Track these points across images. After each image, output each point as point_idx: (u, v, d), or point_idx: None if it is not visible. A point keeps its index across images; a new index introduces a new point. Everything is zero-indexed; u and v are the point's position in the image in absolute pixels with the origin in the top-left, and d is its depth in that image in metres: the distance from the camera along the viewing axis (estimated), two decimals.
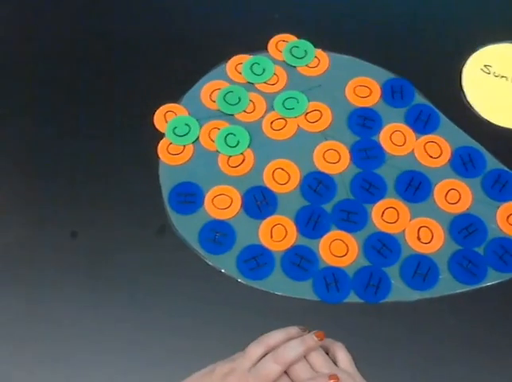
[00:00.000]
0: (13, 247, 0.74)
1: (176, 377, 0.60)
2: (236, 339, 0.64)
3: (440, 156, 0.77)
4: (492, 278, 0.71)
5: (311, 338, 0.61)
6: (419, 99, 0.82)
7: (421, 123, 0.80)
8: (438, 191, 0.75)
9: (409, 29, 0.89)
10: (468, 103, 0.82)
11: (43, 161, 0.79)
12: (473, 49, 0.86)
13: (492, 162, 0.77)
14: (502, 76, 0.83)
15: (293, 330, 0.63)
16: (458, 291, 0.70)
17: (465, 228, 0.73)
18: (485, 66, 0.84)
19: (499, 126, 0.80)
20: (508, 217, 0.73)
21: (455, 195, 0.75)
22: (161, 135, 0.80)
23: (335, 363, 0.62)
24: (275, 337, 0.62)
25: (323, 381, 0.58)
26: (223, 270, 0.71)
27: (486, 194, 0.75)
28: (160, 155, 0.78)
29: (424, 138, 0.79)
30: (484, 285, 0.71)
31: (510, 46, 0.86)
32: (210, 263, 0.72)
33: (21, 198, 0.77)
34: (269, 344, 0.61)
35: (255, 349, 0.60)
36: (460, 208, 0.74)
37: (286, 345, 0.60)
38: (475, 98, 0.82)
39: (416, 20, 0.89)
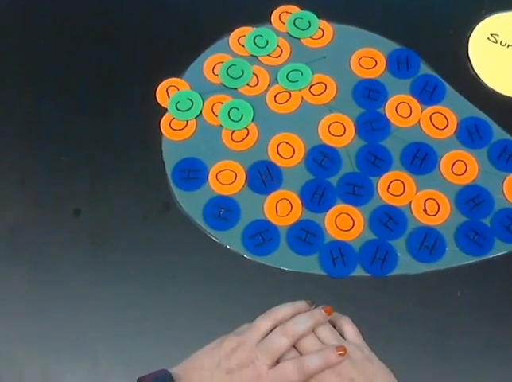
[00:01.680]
0: (15, 226, 0.73)
1: (184, 352, 0.59)
2: (243, 314, 0.63)
3: (446, 127, 0.76)
4: (499, 249, 0.70)
5: (319, 313, 0.61)
6: (425, 69, 0.81)
7: (427, 94, 0.79)
8: (444, 162, 0.74)
9: None
10: (475, 72, 0.81)
11: (44, 138, 0.79)
12: (479, 18, 0.85)
13: (499, 133, 0.76)
14: (509, 45, 0.82)
15: (301, 305, 0.62)
16: (465, 263, 0.70)
17: (471, 199, 0.72)
18: (492, 35, 0.82)
19: (506, 96, 0.79)
20: None
21: (462, 166, 0.74)
22: (164, 110, 0.79)
23: (342, 336, 0.61)
24: (283, 310, 0.61)
25: (331, 352, 0.58)
26: (228, 246, 0.71)
27: (493, 165, 0.74)
28: (163, 131, 0.78)
29: (430, 109, 0.78)
30: (491, 256, 0.70)
31: None
32: (215, 239, 0.71)
33: (22, 176, 0.77)
34: (278, 318, 0.60)
35: (263, 322, 0.60)
36: (467, 179, 0.73)
37: (295, 319, 0.60)
38: (482, 68, 0.81)
39: None
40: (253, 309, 0.63)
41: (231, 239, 0.71)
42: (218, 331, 0.61)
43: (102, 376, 0.66)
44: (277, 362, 0.58)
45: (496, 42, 0.82)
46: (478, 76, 0.80)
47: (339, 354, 0.58)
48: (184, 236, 0.72)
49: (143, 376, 0.56)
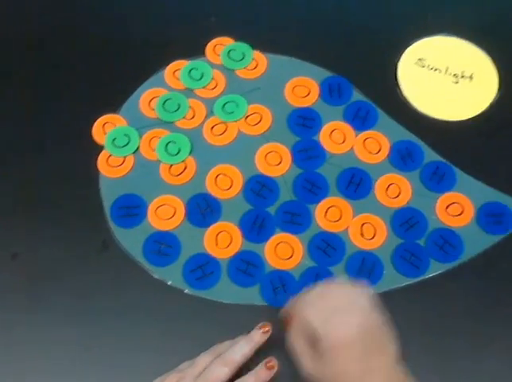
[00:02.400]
0: None
1: None
2: (186, 350, 0.64)
3: (379, 151, 0.78)
4: (434, 270, 0.72)
5: (257, 333, 0.61)
6: (357, 95, 0.82)
7: (360, 120, 0.80)
8: (379, 186, 0.76)
9: (344, 26, 0.90)
10: (404, 97, 0.83)
11: None
12: (407, 44, 0.87)
13: (430, 155, 0.78)
14: (436, 69, 0.84)
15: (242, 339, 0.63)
16: (403, 284, 0.71)
17: (406, 221, 0.74)
18: (419, 59, 0.85)
19: (435, 118, 0.81)
20: (447, 208, 0.74)
21: (396, 189, 0.76)
22: (101, 147, 0.79)
23: None
24: (224, 344, 0.62)
25: (261, 368, 0.60)
26: (169, 282, 0.71)
27: (425, 186, 0.76)
28: (100, 168, 0.77)
29: (363, 134, 0.80)
30: (427, 276, 0.71)
31: (441, 39, 0.87)
32: (156, 276, 0.71)
33: None
34: (218, 352, 0.61)
35: (204, 358, 0.61)
36: (401, 201, 0.75)
37: (232, 347, 0.61)
38: (411, 91, 0.83)
39: (349, 17, 0.90)
40: (195, 345, 0.64)
41: (172, 275, 0.72)
42: (161, 368, 0.62)
43: None
44: None
45: (423, 66, 0.84)
46: (407, 100, 0.82)
47: (269, 366, 0.59)
48: (125, 274, 0.72)
49: None
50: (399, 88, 0.83)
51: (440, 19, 0.89)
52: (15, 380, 0.67)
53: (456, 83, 0.83)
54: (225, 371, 0.59)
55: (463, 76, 0.84)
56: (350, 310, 0.56)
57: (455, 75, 0.84)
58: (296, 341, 0.58)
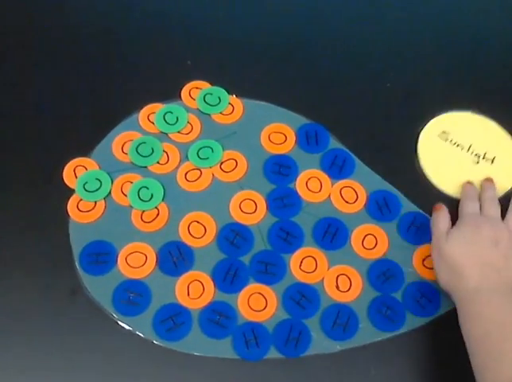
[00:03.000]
0: None
1: None
2: None
3: (355, 201, 0.77)
4: (411, 324, 0.71)
5: None
6: (334, 143, 0.82)
7: (337, 168, 0.79)
8: (355, 237, 0.75)
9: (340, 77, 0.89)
10: (421, 167, 0.82)
11: None
12: (433, 114, 0.86)
13: (407, 205, 0.77)
14: (459, 145, 0.83)
15: None
16: (378, 339, 0.69)
17: (382, 273, 0.73)
18: (443, 132, 0.83)
19: (448, 194, 0.80)
20: (424, 260, 0.73)
21: (372, 240, 0.74)
22: (71, 191, 0.77)
23: None
24: None
25: None
26: (138, 333, 0.69)
27: (402, 238, 0.75)
28: (69, 213, 0.75)
29: (340, 183, 0.79)
30: (404, 331, 0.70)
31: (469, 116, 0.86)
32: (125, 326, 0.69)
33: None
34: None
35: None
36: (377, 253, 0.74)
37: None
38: (428, 162, 0.82)
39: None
40: None
41: (141, 325, 0.69)
42: None
43: None
44: None
45: (446, 140, 0.83)
46: (423, 171, 0.81)
47: None
48: (93, 323, 0.70)
49: None
50: (417, 157, 0.82)
51: (471, 95, 0.88)
52: None
53: (477, 163, 0.82)
54: None
55: (484, 158, 0.82)
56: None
57: (476, 154, 0.82)
58: (439, 263, 0.68)
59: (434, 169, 0.81)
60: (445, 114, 0.85)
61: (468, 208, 0.72)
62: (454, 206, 0.76)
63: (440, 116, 0.85)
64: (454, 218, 0.72)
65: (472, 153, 0.82)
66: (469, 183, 0.78)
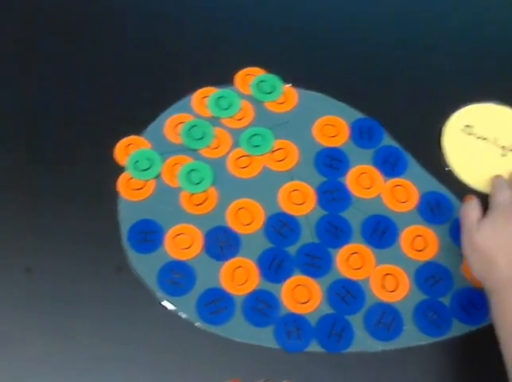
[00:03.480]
0: None
1: None
2: None
3: (407, 201, 0.76)
4: (456, 331, 0.69)
5: None
6: (388, 140, 0.80)
7: (389, 166, 0.78)
8: (404, 237, 0.73)
9: (386, 72, 0.88)
10: (446, 161, 0.80)
11: None
12: (457, 107, 0.84)
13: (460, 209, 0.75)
14: (484, 138, 0.81)
15: None
16: (422, 343, 0.68)
17: (431, 276, 0.71)
18: (466, 126, 0.82)
19: (474, 189, 0.78)
20: None
21: (422, 242, 0.73)
22: (122, 169, 0.77)
23: None
24: None
25: None
26: (181, 314, 0.68)
27: (454, 242, 0.73)
28: (120, 190, 0.75)
29: (392, 181, 0.77)
30: (449, 337, 0.69)
31: (492, 107, 0.84)
32: (168, 305, 0.69)
33: None
34: None
35: None
36: (426, 255, 0.73)
37: None
38: (454, 156, 0.80)
39: (394, 66, 0.88)
40: (203, 379, 0.64)
41: (184, 306, 0.69)
42: None
43: None
44: None
45: (470, 134, 0.81)
46: (448, 165, 0.80)
47: None
48: (136, 300, 0.70)
49: None
50: (442, 152, 0.80)
51: (492, 85, 0.86)
52: None
53: (504, 155, 0.80)
54: None
55: (511, 150, 0.81)
56: None
57: (503, 147, 0.80)
58: (471, 253, 0.66)
59: (461, 165, 0.79)
60: (467, 108, 0.83)
61: (499, 197, 0.70)
62: (483, 201, 0.73)
63: (461, 110, 0.83)
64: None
65: (498, 145, 0.80)
66: (498, 176, 0.76)
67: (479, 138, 0.80)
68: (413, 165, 0.79)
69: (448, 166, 0.79)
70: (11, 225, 0.74)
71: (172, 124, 0.80)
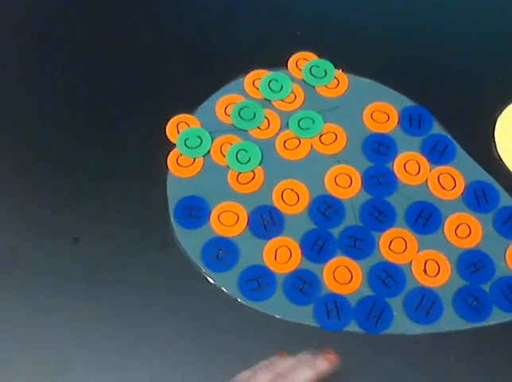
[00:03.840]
0: (13, 250, 0.73)
1: None
2: (231, 359, 0.64)
3: (453, 188, 0.76)
4: (496, 318, 0.69)
5: (323, 363, 0.59)
6: (437, 128, 0.80)
7: (437, 154, 0.78)
8: (448, 224, 0.73)
9: (438, 59, 0.87)
10: (497, 152, 0.79)
11: (49, 164, 0.79)
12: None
13: (506, 199, 0.75)
14: None
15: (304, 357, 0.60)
16: (461, 328, 0.68)
17: (473, 263, 0.71)
18: None
19: None
20: None
21: (466, 229, 0.73)
22: (172, 146, 0.79)
23: None
24: (286, 364, 0.59)
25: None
26: (223, 289, 0.70)
27: (497, 231, 0.73)
28: (169, 166, 0.77)
29: (439, 168, 0.77)
30: (488, 324, 0.68)
31: None
32: (211, 280, 0.70)
33: (23, 203, 0.76)
34: (279, 372, 0.58)
35: (264, 375, 0.58)
36: (470, 243, 0.73)
37: (296, 370, 0.57)
38: (506, 149, 0.79)
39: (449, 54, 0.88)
40: (240, 355, 0.63)
41: (227, 282, 0.71)
42: (206, 371, 0.64)
43: None
44: None
45: None
46: (500, 156, 0.79)
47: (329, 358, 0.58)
48: (180, 274, 0.71)
49: None
50: (494, 142, 0.79)
51: None
52: (66, 366, 0.67)
53: None
54: None
55: None
56: None
57: None
58: None
59: (504, 144, 0.79)
60: None
61: None
62: None
63: None
64: None
65: None
66: None
67: None
68: (461, 153, 0.79)
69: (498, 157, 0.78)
70: (60, 196, 0.76)
71: (224, 104, 0.82)
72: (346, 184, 0.76)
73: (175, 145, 0.79)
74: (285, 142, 0.79)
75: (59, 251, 0.73)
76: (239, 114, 0.81)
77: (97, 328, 0.69)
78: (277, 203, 0.75)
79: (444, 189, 0.76)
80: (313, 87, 0.84)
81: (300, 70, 0.85)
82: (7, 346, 0.68)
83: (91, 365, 0.67)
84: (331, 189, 0.76)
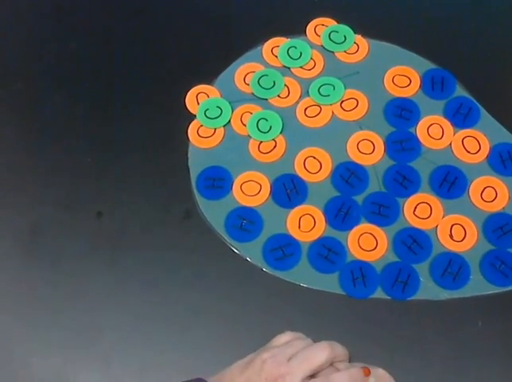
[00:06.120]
0: (37, 225, 0.73)
1: (196, 361, 0.63)
2: (259, 327, 0.65)
3: (478, 152, 0.75)
4: None
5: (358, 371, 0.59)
6: (460, 91, 0.79)
7: (461, 117, 0.77)
8: (474, 188, 0.72)
9: (460, 22, 0.85)
10: None
11: (72, 138, 0.79)
12: None
13: None
14: None
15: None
16: (489, 292, 0.68)
17: (500, 227, 0.70)
18: None
19: None
20: None
21: (492, 193, 0.72)
22: (192, 117, 0.78)
23: None
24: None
25: (357, 372, 0.58)
26: (248, 259, 0.70)
27: None
28: (190, 137, 0.77)
29: (463, 132, 0.76)
30: None
31: None
32: (235, 250, 0.70)
33: (48, 175, 0.77)
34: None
35: (300, 342, 0.60)
36: (496, 206, 0.72)
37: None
38: None
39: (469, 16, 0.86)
40: (269, 324, 0.64)
41: (252, 252, 0.71)
42: (232, 341, 0.64)
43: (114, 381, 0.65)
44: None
45: None
46: None
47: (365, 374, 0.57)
48: (205, 245, 0.71)
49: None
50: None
51: None
52: (93, 337, 0.68)
53: None
54: (322, 357, 0.57)
55: None
56: None
57: None
58: None
59: None
60: None
61: None
62: None
63: None
64: None
65: None
66: None
67: None
68: (485, 116, 0.77)
69: None
70: (84, 170, 0.76)
71: (243, 73, 0.81)
72: (368, 150, 0.76)
73: (195, 116, 0.78)
74: (305, 109, 0.79)
75: (83, 226, 0.73)
76: (259, 83, 0.80)
77: (119, 300, 0.70)
78: (300, 171, 0.74)
79: (469, 152, 0.75)
80: (333, 53, 0.83)
81: (318, 36, 0.84)
82: (33, 320, 0.69)
83: (123, 333, 0.68)
84: (354, 156, 0.75)
